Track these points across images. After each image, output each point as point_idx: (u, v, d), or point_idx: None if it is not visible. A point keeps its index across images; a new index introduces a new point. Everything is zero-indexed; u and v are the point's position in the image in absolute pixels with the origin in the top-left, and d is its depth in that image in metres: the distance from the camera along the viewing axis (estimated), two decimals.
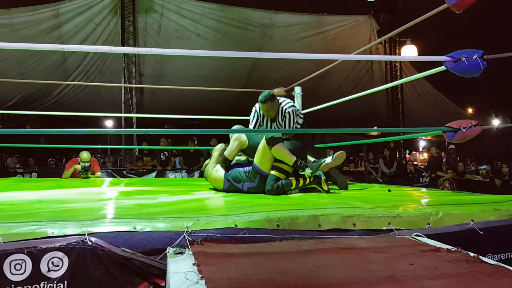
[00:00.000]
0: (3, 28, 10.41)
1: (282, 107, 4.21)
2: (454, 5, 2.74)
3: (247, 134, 3.89)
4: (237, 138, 3.86)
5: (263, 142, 3.59)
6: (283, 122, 4.21)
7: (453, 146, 11.04)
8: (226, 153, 3.88)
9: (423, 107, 14.67)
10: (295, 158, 3.57)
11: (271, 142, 3.53)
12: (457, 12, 2.78)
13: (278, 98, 4.22)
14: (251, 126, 4.37)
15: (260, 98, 4.08)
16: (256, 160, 3.66)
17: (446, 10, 2.96)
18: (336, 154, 3.63)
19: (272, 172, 3.61)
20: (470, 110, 18.85)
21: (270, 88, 5.83)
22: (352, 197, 3.33)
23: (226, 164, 3.88)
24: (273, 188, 3.52)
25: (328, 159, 3.64)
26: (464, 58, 2.64)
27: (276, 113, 4.20)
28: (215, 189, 4.01)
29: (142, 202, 3.12)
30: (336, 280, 1.39)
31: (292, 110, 4.22)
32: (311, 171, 3.56)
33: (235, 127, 4.19)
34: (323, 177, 3.63)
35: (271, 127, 4.30)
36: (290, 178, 3.66)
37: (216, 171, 3.92)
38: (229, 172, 3.79)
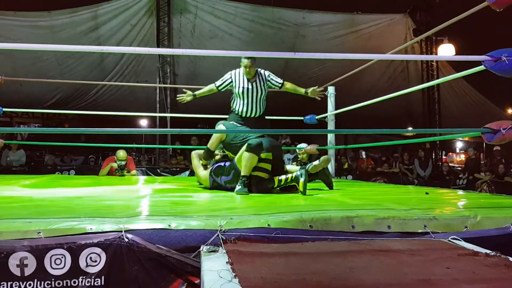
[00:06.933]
0: (44, 29, 10.78)
1: (260, 71, 4.36)
2: (494, 2, 2.66)
3: (228, 128, 4.10)
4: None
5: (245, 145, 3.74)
6: (266, 83, 4.35)
7: (498, 148, 10.56)
8: (208, 144, 4.16)
9: (461, 107, 14.28)
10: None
11: (250, 149, 3.65)
12: (498, 10, 2.70)
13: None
14: (217, 83, 4.50)
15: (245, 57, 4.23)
16: (236, 157, 3.83)
17: (486, 8, 2.89)
18: (322, 157, 4.08)
19: (255, 172, 3.73)
20: (510, 111, 18.25)
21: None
22: (387, 198, 3.28)
23: (209, 154, 4.19)
24: (256, 186, 3.73)
25: (316, 162, 4.05)
26: (504, 58, 2.54)
27: (255, 75, 4.30)
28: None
29: (176, 200, 3.18)
30: (370, 282, 1.37)
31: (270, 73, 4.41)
32: (300, 171, 3.61)
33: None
34: (301, 179, 3.54)
35: (247, 87, 4.32)
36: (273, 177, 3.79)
37: (202, 171, 4.27)
38: (213, 168, 4.06)
